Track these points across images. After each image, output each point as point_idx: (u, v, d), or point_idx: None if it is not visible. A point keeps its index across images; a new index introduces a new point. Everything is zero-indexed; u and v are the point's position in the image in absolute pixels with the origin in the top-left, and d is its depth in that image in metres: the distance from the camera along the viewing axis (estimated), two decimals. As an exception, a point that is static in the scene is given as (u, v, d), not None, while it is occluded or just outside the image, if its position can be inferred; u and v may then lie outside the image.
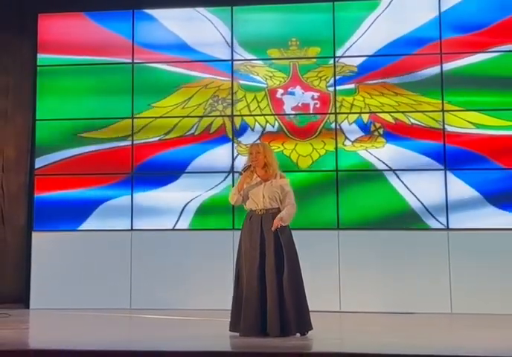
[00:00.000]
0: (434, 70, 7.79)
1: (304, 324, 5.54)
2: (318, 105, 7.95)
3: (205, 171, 7.94)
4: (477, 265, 7.42)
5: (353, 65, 7.93)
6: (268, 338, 5.42)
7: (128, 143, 8.09)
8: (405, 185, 7.69)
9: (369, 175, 7.77)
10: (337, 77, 7.93)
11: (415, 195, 7.66)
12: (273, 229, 5.56)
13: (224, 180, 7.92)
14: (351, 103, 7.88)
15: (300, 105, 8.00)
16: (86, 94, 8.21)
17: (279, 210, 5.67)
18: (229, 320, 5.70)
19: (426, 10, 7.89)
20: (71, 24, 8.35)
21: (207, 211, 7.93)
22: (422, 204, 7.64)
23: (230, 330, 5.68)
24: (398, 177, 7.72)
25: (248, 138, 7.88)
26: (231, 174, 7.90)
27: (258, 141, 6.28)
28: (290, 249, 5.62)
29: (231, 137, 7.99)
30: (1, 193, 8.17)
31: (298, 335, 5.54)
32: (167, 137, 8.06)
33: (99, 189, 8.05)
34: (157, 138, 8.07)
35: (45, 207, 8.08)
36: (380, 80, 7.88)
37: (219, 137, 8.02)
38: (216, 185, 7.92)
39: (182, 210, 7.93)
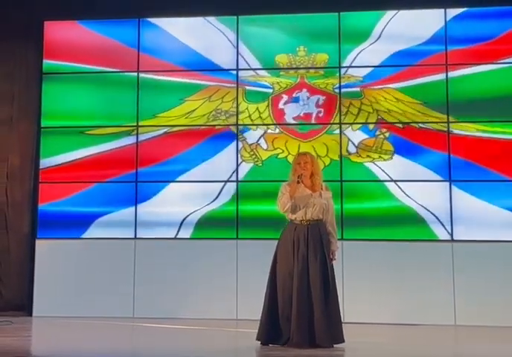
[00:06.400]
0: (439, 77, 7.80)
1: (337, 336, 5.56)
2: (321, 114, 7.94)
3: (209, 180, 7.94)
4: (481, 276, 7.38)
5: (359, 76, 7.91)
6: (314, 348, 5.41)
7: (132, 140, 8.08)
8: (409, 196, 7.67)
9: (374, 184, 7.77)
10: (342, 83, 7.90)
11: (424, 206, 7.62)
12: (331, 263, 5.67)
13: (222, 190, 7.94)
14: (359, 107, 7.87)
15: (302, 115, 7.98)
16: (91, 101, 8.21)
17: (322, 222, 5.69)
18: (257, 329, 5.60)
19: (432, 21, 7.89)
20: (77, 31, 8.34)
21: (210, 221, 7.90)
22: (431, 212, 7.62)
23: (258, 339, 5.60)
24: (401, 188, 7.71)
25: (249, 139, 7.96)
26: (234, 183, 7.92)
27: (305, 151, 6.28)
28: (331, 264, 5.67)
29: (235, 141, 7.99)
30: (5, 200, 8.14)
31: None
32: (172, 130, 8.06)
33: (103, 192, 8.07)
34: (162, 131, 8.07)
35: (49, 214, 8.06)
36: (384, 86, 7.88)
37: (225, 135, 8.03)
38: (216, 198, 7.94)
39: (183, 221, 7.93)
